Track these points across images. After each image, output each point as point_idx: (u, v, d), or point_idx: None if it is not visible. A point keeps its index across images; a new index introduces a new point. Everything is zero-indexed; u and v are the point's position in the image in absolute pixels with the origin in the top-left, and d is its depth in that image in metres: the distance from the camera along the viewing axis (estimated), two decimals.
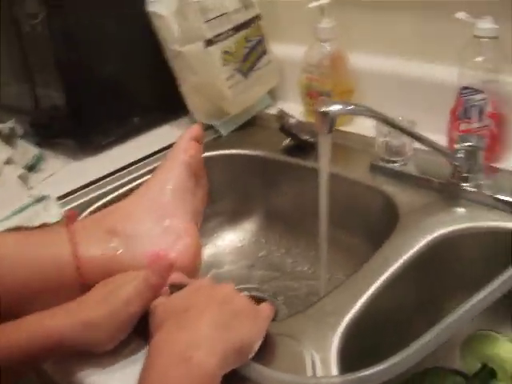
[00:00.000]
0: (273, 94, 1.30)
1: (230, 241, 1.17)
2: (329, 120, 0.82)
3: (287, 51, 1.27)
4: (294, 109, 1.23)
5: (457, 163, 0.92)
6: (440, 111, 1.03)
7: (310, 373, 0.66)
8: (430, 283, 0.90)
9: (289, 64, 1.25)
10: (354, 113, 0.85)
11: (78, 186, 1.06)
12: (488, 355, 0.83)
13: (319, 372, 0.66)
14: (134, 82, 1.21)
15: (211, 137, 1.21)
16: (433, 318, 0.90)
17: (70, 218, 0.81)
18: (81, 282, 0.70)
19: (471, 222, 0.88)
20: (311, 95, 1.17)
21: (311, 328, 0.72)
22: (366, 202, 1.02)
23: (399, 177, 0.99)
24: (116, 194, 1.06)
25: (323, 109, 0.82)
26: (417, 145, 0.96)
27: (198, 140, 0.82)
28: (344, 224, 1.04)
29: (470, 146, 0.91)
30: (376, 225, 0.99)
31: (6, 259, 0.68)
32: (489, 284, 0.66)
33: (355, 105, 0.87)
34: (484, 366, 0.83)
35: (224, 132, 1.20)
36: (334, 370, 0.66)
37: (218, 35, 1.12)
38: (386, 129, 0.99)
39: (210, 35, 1.10)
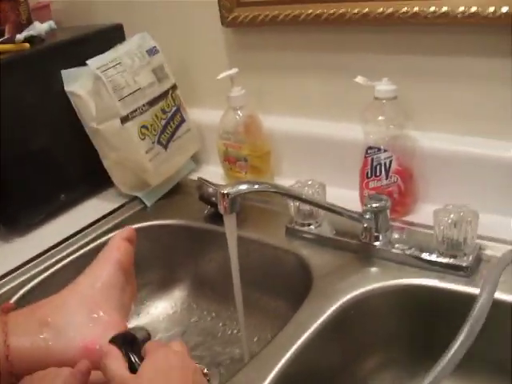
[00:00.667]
0: (196, 158, 1.33)
1: (162, 308, 1.19)
2: (230, 201, 0.85)
3: (206, 116, 1.31)
4: (216, 172, 1.27)
5: (365, 224, 0.96)
6: (351, 168, 1.07)
7: None
8: (349, 343, 0.93)
9: (209, 128, 1.28)
10: (255, 190, 0.88)
11: (5, 271, 1.07)
12: None
13: None
14: (60, 158, 1.22)
15: (136, 208, 1.23)
16: (356, 374, 0.95)
17: (4, 310, 0.81)
18: (10, 371, 0.71)
19: (380, 281, 0.92)
20: (229, 160, 1.21)
21: None
22: (283, 266, 1.04)
23: (313, 239, 1.03)
24: (44, 275, 1.07)
25: (223, 191, 0.85)
26: None
27: (130, 240, 0.85)
28: (264, 287, 1.08)
29: (376, 206, 0.95)
30: (293, 287, 1.02)
31: None
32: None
33: (256, 183, 0.89)
34: None
35: (148, 203, 1.22)
36: None
37: (134, 111, 1.14)
38: None
39: (125, 112, 1.13)
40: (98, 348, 0.72)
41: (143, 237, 1.14)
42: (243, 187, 0.87)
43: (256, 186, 0.90)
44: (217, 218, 1.13)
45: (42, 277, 1.07)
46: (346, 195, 1.06)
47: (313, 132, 1.16)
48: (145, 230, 1.17)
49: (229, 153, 1.20)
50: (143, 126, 1.16)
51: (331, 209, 0.95)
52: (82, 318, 0.75)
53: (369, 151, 1.03)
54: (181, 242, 1.17)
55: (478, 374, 0.90)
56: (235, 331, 1.12)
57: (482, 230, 0.92)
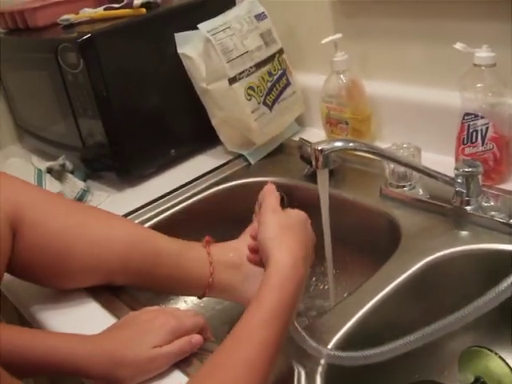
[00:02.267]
0: (300, 121, 1.38)
1: None
2: (324, 157, 0.90)
3: (311, 80, 1.35)
4: (319, 134, 1.31)
5: (457, 188, 0.98)
6: (448, 134, 1.09)
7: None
8: (430, 301, 0.96)
9: (314, 92, 1.32)
10: (348, 149, 0.92)
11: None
12: (480, 370, 0.88)
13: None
14: (171, 117, 1.31)
15: (241, 165, 1.30)
16: None
17: (207, 242, 0.99)
18: (204, 292, 0.95)
19: (467, 244, 0.94)
20: (331, 123, 1.25)
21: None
22: (375, 225, 1.09)
23: (406, 201, 1.06)
24: (152, 221, 1.18)
25: (317, 146, 0.90)
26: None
27: None
28: (355, 245, 1.14)
29: (468, 171, 0.96)
30: (382, 245, 1.06)
31: (169, 264, 0.94)
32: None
33: (351, 141, 0.94)
34: (477, 379, 0.89)
35: (252, 161, 1.29)
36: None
37: (241, 73, 1.21)
38: None
39: (232, 74, 1.20)
40: None
41: (244, 191, 1.23)
42: (338, 144, 0.92)
43: (350, 144, 0.94)
44: (316, 177, 1.18)
45: (150, 223, 1.17)
46: (441, 160, 1.08)
47: (413, 97, 1.18)
48: (246, 185, 1.25)
49: (331, 115, 1.24)
50: (250, 87, 1.22)
51: (424, 171, 0.98)
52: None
53: (466, 117, 1.04)
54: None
55: None
56: (326, 286, 1.17)
57: None
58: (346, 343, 0.82)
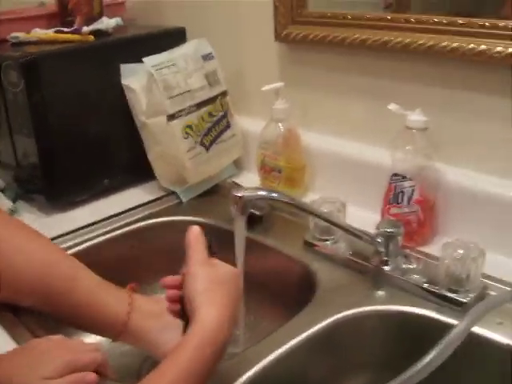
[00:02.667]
0: (238, 164, 1.38)
1: None
2: (242, 203, 0.89)
3: (253, 125, 1.35)
4: (254, 179, 1.31)
5: (377, 248, 0.98)
6: (377, 192, 1.10)
7: None
8: (337, 358, 0.95)
9: (254, 137, 1.32)
10: (266, 198, 0.92)
11: None
12: None
13: None
14: (108, 146, 1.30)
15: (172, 202, 1.29)
16: None
17: (131, 288, 0.96)
18: (119, 333, 0.90)
19: (382, 304, 0.94)
20: (265, 169, 1.25)
21: None
22: (292, 275, 1.08)
23: (326, 255, 1.06)
24: (75, 250, 1.15)
25: (237, 193, 0.89)
26: None
27: None
28: (269, 292, 1.12)
29: (388, 231, 0.97)
30: (297, 296, 1.05)
31: (86, 292, 0.91)
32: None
33: (273, 192, 0.93)
34: None
35: (184, 199, 1.28)
36: None
37: (181, 111, 1.21)
38: None
39: (172, 110, 1.19)
40: None
41: (172, 229, 1.22)
42: (258, 193, 0.92)
43: (273, 195, 0.94)
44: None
45: (71, 251, 1.13)
46: (368, 217, 1.09)
47: (348, 152, 1.19)
48: (173, 223, 1.23)
49: (265, 162, 1.24)
50: (188, 126, 1.22)
51: (343, 227, 0.98)
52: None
53: (393, 178, 1.05)
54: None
55: None
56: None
57: (493, 271, 0.94)
58: None
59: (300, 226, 1.14)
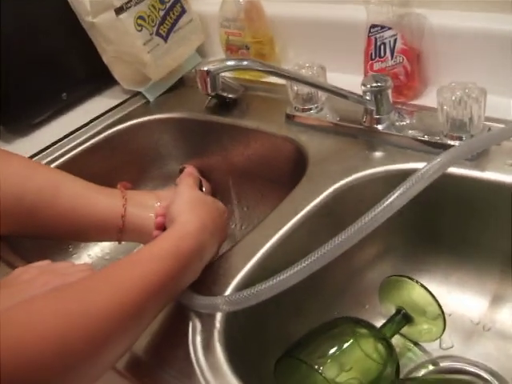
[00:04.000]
0: (201, 51, 1.27)
1: None
2: (211, 79, 0.80)
3: (208, 5, 1.23)
4: None
5: (366, 106, 0.90)
6: (355, 51, 1.01)
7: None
8: (337, 230, 0.88)
9: (213, 18, 1.20)
10: (240, 68, 0.83)
11: None
12: (403, 300, 0.82)
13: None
14: (60, 57, 1.18)
15: (139, 103, 1.19)
16: (353, 264, 0.91)
17: (123, 185, 0.90)
18: (120, 229, 0.85)
19: (381, 165, 0.86)
20: (231, 49, 1.15)
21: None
22: (281, 152, 1.00)
23: (313, 125, 0.97)
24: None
25: (203, 67, 0.80)
26: None
27: None
28: (261, 174, 1.06)
29: (376, 86, 0.88)
30: (289, 172, 0.99)
31: (72, 195, 0.83)
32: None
33: (244, 60, 0.84)
34: (398, 311, 0.82)
35: (150, 98, 1.18)
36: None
37: (129, 1, 1.09)
38: None
39: (119, 3, 1.07)
40: None
41: (144, 132, 1.13)
42: (226, 63, 0.83)
43: (244, 63, 0.85)
44: (218, 108, 1.09)
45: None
46: (349, 80, 0.99)
47: (315, 15, 1.09)
48: (144, 124, 1.14)
49: (230, 41, 1.14)
50: (140, 17, 1.11)
51: (329, 89, 0.90)
52: None
53: (372, 30, 0.96)
54: (181, 135, 1.14)
55: (470, 259, 0.86)
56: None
57: (493, 113, 0.85)
58: (249, 285, 0.73)
59: (278, 101, 1.05)
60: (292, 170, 0.98)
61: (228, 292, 0.72)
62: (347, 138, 0.93)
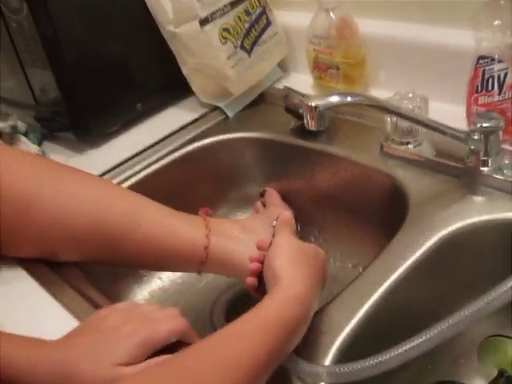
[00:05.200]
0: (283, 66, 1.21)
1: None
2: (318, 115, 0.75)
3: (295, 19, 1.18)
4: (305, 81, 1.15)
5: (472, 146, 0.84)
6: (458, 81, 0.93)
7: None
8: (442, 283, 0.83)
9: (298, 32, 1.14)
10: (347, 103, 0.77)
11: None
12: (503, 361, 0.76)
13: None
14: (135, 65, 1.14)
15: (218, 119, 1.14)
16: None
17: (204, 212, 0.91)
18: (202, 261, 0.82)
19: (487, 213, 0.80)
20: (319, 68, 1.09)
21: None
22: (376, 188, 0.94)
23: (411, 160, 0.91)
24: (125, 184, 1.02)
25: (311, 103, 0.75)
26: None
27: None
28: (353, 210, 0.99)
29: (486, 126, 0.82)
30: (386, 212, 0.93)
31: (154, 224, 0.80)
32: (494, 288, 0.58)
33: (348, 95, 0.78)
34: (501, 374, 0.77)
35: (230, 114, 1.13)
36: None
37: (214, 12, 1.03)
38: None
39: (204, 14, 1.02)
40: None
41: (223, 150, 1.08)
42: (334, 99, 0.78)
43: (349, 99, 0.79)
44: (304, 131, 1.03)
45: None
46: (450, 111, 0.94)
47: (415, 38, 1.01)
48: (225, 143, 1.09)
49: (319, 59, 1.08)
50: (225, 29, 1.05)
51: (434, 126, 0.83)
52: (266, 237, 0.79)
53: (480, 61, 0.89)
54: (263, 156, 1.08)
55: None
56: None
57: None
58: (352, 345, 0.68)
59: (371, 129, 0.99)
60: (386, 205, 0.92)
61: (332, 354, 0.66)
62: (448, 178, 0.87)
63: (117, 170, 1.03)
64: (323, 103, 0.74)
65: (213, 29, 1.04)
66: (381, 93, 1.03)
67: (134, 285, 1.03)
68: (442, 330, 0.58)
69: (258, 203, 1.07)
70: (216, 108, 1.15)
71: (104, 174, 1.02)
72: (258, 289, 0.74)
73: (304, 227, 1.06)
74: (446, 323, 0.58)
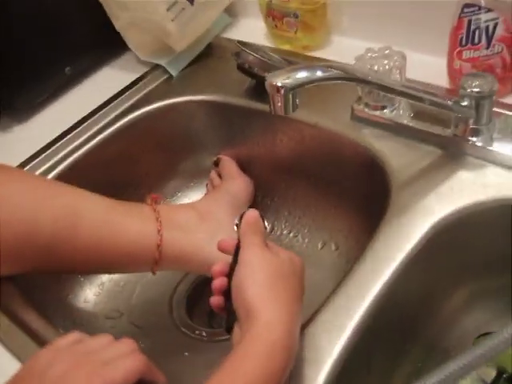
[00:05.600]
0: (231, 10, 1.06)
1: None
2: (284, 96, 0.62)
3: None
4: (257, 27, 1.01)
5: (461, 115, 0.73)
6: (438, 30, 0.81)
7: None
8: (437, 273, 0.73)
9: None
10: (321, 79, 0.64)
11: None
12: (502, 359, 0.69)
13: None
14: (59, 23, 0.96)
15: (161, 78, 0.98)
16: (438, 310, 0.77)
17: (153, 199, 0.76)
18: (156, 260, 0.71)
19: (484, 193, 0.70)
20: (273, 16, 0.94)
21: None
22: (349, 160, 0.82)
23: (387, 127, 0.80)
24: (61, 167, 0.87)
25: (276, 82, 0.62)
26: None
27: None
28: (324, 185, 0.89)
29: (478, 92, 0.70)
30: (362, 188, 0.83)
31: (95, 224, 0.69)
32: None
33: (319, 69, 0.64)
34: (500, 372, 0.69)
35: (174, 72, 0.98)
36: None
37: None
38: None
39: None
40: None
41: (170, 116, 0.95)
42: (302, 75, 0.63)
43: (319, 73, 0.66)
44: (260, 92, 0.90)
45: (52, 173, 0.87)
46: (428, 64, 0.83)
47: None
48: (171, 108, 0.95)
49: (273, 6, 0.93)
50: None
51: (419, 96, 0.71)
52: (228, 224, 0.76)
53: (465, 10, 0.76)
54: (215, 121, 0.95)
55: None
56: (285, 232, 0.94)
57: None
58: (342, 373, 0.59)
59: (340, 90, 0.86)
60: (360, 178, 0.82)
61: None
62: (434, 149, 0.76)
63: (48, 152, 0.88)
64: (290, 82, 0.61)
65: None
66: (344, 41, 0.91)
67: (81, 279, 0.91)
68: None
69: (213, 174, 0.95)
70: (157, 65, 0.99)
71: (33, 157, 0.87)
72: (224, 307, 0.62)
73: (265, 199, 0.95)
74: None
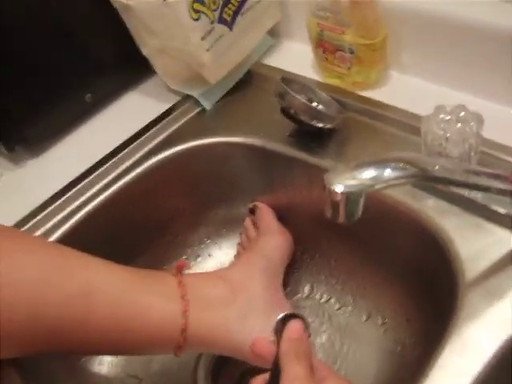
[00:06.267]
0: (273, 30, 0.93)
1: (226, 249, 0.91)
2: (348, 203, 0.51)
3: None
4: (304, 52, 0.89)
5: None
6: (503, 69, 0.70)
7: None
8: None
9: None
10: (393, 184, 0.52)
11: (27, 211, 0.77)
12: None
13: None
14: (76, 44, 0.85)
15: (192, 112, 0.86)
16: None
17: (178, 267, 0.67)
18: (179, 345, 0.62)
19: None
20: (324, 48, 0.81)
21: None
22: (407, 232, 0.71)
23: (456, 201, 0.68)
24: (78, 216, 0.77)
25: (333, 186, 0.50)
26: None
27: None
28: (371, 244, 0.78)
29: None
30: (416, 257, 0.71)
31: (111, 305, 0.60)
32: None
33: (384, 165, 0.52)
34: None
35: (207, 105, 0.86)
36: None
37: None
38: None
39: None
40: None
41: (204, 156, 0.85)
42: (368, 175, 0.51)
43: (391, 173, 0.53)
44: (305, 140, 0.79)
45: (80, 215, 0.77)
46: (498, 117, 0.70)
47: (450, 11, 0.74)
48: (207, 147, 0.83)
49: (324, 37, 0.80)
50: (196, 0, 0.77)
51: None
52: (263, 302, 0.68)
53: None
54: (255, 166, 0.84)
55: None
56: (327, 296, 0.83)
57: None
58: None
59: (396, 137, 0.74)
60: (416, 251, 0.71)
61: None
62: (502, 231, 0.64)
63: (64, 198, 0.78)
64: (353, 185, 0.49)
65: (180, 1, 0.76)
66: (401, 78, 0.80)
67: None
68: None
69: (248, 222, 0.85)
70: (187, 97, 0.88)
71: (46, 205, 0.77)
72: None
73: (304, 255, 0.84)
74: None
